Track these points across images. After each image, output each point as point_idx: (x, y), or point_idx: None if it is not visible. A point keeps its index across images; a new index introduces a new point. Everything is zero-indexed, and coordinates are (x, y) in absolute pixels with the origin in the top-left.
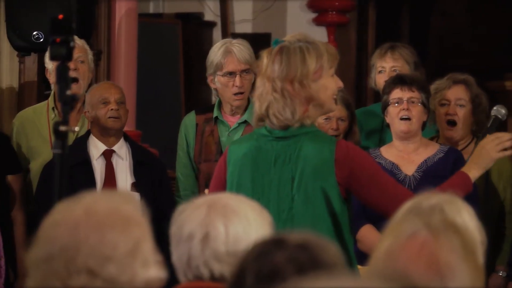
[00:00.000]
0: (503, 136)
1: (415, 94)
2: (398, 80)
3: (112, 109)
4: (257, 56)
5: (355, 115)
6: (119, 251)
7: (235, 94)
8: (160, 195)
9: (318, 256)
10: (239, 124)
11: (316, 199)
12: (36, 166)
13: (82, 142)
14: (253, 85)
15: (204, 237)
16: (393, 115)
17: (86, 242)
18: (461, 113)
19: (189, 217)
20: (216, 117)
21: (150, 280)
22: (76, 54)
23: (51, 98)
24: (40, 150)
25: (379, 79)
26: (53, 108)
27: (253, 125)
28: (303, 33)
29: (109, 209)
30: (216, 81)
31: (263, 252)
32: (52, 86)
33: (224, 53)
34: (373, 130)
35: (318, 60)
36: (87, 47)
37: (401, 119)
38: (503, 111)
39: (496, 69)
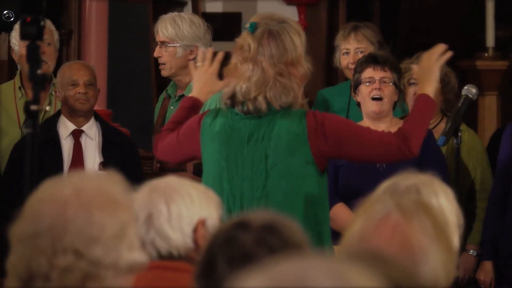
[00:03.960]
0: (434, 50)
1: (387, 74)
2: (371, 59)
3: (80, 92)
4: (231, 36)
5: None
6: (106, 233)
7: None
8: (129, 175)
9: (286, 237)
10: (179, 97)
11: (291, 175)
12: (2, 146)
13: (52, 121)
14: None
15: (147, 217)
16: (365, 94)
17: (74, 222)
18: None
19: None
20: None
21: (133, 263)
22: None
23: (17, 78)
24: (6, 130)
25: (343, 61)
26: (20, 88)
27: (223, 101)
28: (272, 13)
29: (98, 190)
30: None
31: (230, 236)
32: (19, 66)
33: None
34: (339, 110)
35: (301, 39)
36: (53, 28)
37: (373, 99)
38: (474, 90)
39: (467, 48)
